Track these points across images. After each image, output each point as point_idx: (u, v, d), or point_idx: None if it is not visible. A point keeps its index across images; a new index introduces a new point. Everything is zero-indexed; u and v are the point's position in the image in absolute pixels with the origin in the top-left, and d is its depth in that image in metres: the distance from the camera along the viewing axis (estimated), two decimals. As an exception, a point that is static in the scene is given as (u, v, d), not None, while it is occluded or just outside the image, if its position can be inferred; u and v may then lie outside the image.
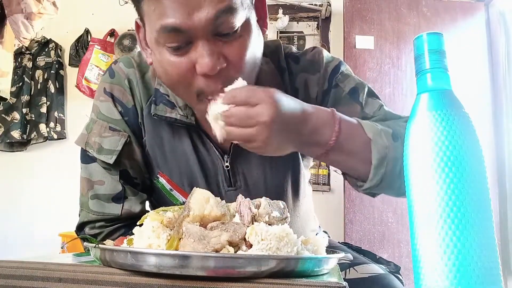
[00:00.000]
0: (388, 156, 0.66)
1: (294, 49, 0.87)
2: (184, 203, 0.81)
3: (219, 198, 0.48)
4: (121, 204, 0.79)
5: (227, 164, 0.80)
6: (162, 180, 0.82)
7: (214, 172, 0.81)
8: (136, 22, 0.73)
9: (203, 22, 0.60)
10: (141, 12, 0.67)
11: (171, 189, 0.82)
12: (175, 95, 0.77)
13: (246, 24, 0.65)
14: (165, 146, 0.81)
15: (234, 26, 0.62)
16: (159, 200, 0.87)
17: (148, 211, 0.87)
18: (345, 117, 0.68)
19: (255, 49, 0.68)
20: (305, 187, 0.91)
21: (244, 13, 0.64)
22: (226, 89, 0.61)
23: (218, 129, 0.61)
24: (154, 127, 0.80)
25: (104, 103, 0.82)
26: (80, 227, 0.82)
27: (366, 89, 0.82)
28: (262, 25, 0.74)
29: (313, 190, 1.06)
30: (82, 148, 0.81)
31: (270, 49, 0.83)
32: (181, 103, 0.78)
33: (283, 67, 0.83)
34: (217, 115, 0.60)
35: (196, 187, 0.80)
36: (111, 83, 0.82)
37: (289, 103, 0.62)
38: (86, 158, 0.81)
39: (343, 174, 0.75)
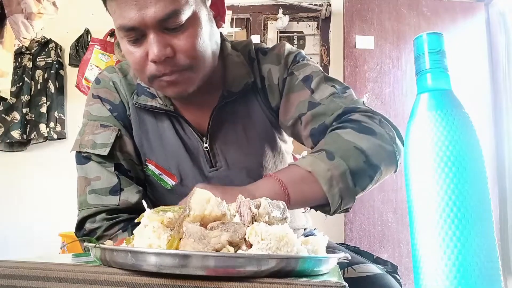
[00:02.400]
0: (333, 176, 0.70)
1: (264, 45, 0.96)
2: (174, 185, 0.87)
3: (219, 198, 0.48)
4: (118, 196, 0.82)
5: (206, 145, 0.86)
6: (151, 166, 0.88)
7: (196, 154, 0.88)
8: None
9: (150, 20, 0.69)
10: (109, 12, 0.77)
11: (160, 174, 0.88)
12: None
13: (193, 18, 0.73)
14: (150, 133, 0.88)
15: (180, 22, 0.71)
16: (154, 193, 0.91)
17: (145, 207, 0.91)
18: (283, 172, 0.74)
19: (204, 39, 0.75)
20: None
21: (191, 9, 0.72)
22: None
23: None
24: (139, 117, 0.88)
25: (93, 105, 0.89)
26: (79, 226, 0.83)
27: (320, 76, 0.87)
28: (220, 20, 0.83)
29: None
30: (76, 152, 0.86)
31: (242, 45, 0.93)
32: (161, 94, 0.86)
33: (253, 58, 0.91)
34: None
35: (182, 167, 0.87)
36: (98, 88, 0.91)
37: (227, 194, 0.64)
38: (81, 159, 0.85)
39: (311, 208, 0.78)
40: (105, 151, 0.83)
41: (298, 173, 0.72)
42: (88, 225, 0.82)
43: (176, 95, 0.79)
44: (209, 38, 0.77)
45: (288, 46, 0.93)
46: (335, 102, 0.82)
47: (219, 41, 0.83)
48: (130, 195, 0.83)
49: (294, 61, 0.89)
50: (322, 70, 0.90)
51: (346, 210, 0.76)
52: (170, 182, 0.88)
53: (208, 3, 0.79)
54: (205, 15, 0.76)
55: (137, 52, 0.74)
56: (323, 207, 0.75)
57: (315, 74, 0.87)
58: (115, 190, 0.82)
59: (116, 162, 0.84)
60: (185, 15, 0.71)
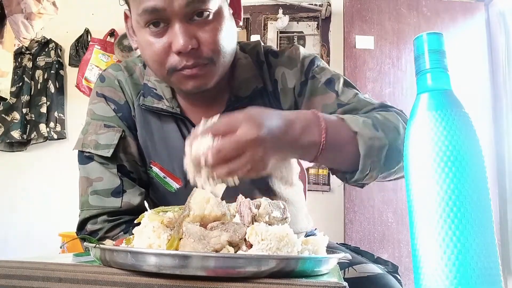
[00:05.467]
0: (374, 146, 0.68)
1: (274, 47, 0.94)
2: (178, 189, 0.85)
3: (219, 198, 0.48)
4: (121, 198, 0.81)
5: None
6: (155, 169, 0.87)
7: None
8: (125, 13, 0.80)
9: (180, 6, 0.68)
10: (127, 1, 0.75)
11: (164, 177, 0.87)
12: (162, 88, 0.84)
13: (218, 12, 0.73)
14: (155, 136, 0.86)
15: (207, 12, 0.71)
16: (157, 194, 0.90)
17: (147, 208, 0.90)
18: (326, 115, 0.69)
19: (227, 34, 0.75)
20: (293, 177, 0.96)
21: (217, 1, 0.72)
22: (198, 129, 0.58)
23: (210, 184, 0.58)
24: (144, 118, 0.86)
25: (97, 104, 0.87)
26: (81, 226, 0.83)
27: (341, 80, 0.87)
28: (237, 17, 0.82)
29: (313, 190, 1.07)
30: (79, 151, 0.85)
31: (250, 47, 0.91)
32: (168, 95, 0.85)
33: (262, 61, 0.89)
34: (202, 172, 0.57)
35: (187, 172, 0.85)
36: (102, 86, 0.89)
37: (268, 115, 0.62)
38: (83, 159, 0.84)
39: (330, 169, 0.77)
40: (108, 153, 0.81)
41: (342, 127, 0.69)
42: (90, 226, 0.81)
43: (195, 89, 0.76)
44: (231, 35, 0.76)
45: (302, 50, 0.91)
46: (364, 100, 0.82)
47: (236, 41, 0.82)
48: (133, 197, 0.82)
49: (312, 64, 0.88)
50: (338, 73, 0.89)
51: (361, 185, 0.75)
52: (175, 185, 0.86)
53: (228, 1, 0.79)
54: (227, 11, 0.76)
55: (158, 43, 0.72)
56: (344, 173, 0.73)
57: (336, 77, 0.86)
58: (118, 192, 0.81)
59: (119, 164, 0.83)
60: (212, 6, 0.71)
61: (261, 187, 0.88)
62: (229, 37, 0.76)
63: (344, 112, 0.81)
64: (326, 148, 0.66)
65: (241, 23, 0.83)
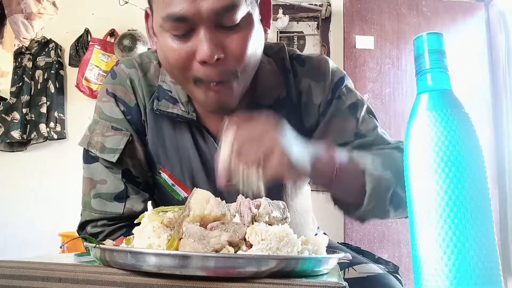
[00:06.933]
0: (381, 185, 0.68)
1: (298, 52, 0.88)
2: (186, 198, 0.81)
3: (219, 198, 0.48)
4: (123, 203, 0.79)
5: None
6: (164, 175, 0.83)
7: (214, 167, 0.81)
8: (145, 11, 0.76)
9: (206, 12, 0.63)
10: (150, 3, 0.71)
11: (173, 184, 0.83)
12: (177, 90, 0.80)
13: (248, 18, 0.67)
14: (167, 142, 0.82)
15: (236, 19, 0.65)
16: (162, 197, 0.88)
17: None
18: (341, 156, 0.70)
19: (255, 44, 0.69)
20: (304, 184, 0.94)
21: (247, 8, 0.67)
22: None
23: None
24: (156, 123, 0.82)
25: (106, 103, 0.83)
26: (82, 226, 0.83)
27: (365, 107, 0.84)
28: (265, 24, 0.76)
29: (313, 190, 1.07)
30: (84, 149, 0.82)
31: (274, 50, 0.85)
32: (184, 99, 0.80)
33: (288, 68, 0.84)
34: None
35: (197, 181, 0.83)
36: (113, 84, 0.84)
37: (291, 139, 0.64)
38: (88, 158, 0.82)
39: (334, 201, 0.77)
40: (113, 157, 0.78)
41: (352, 167, 0.69)
42: (90, 229, 0.80)
43: (216, 108, 0.73)
44: (258, 44, 0.71)
45: (331, 64, 0.86)
46: (382, 137, 0.81)
47: (261, 52, 0.76)
48: (136, 203, 0.80)
49: (341, 82, 0.84)
50: (363, 98, 0.86)
51: (362, 220, 0.76)
52: (183, 194, 0.83)
53: (258, 3, 0.73)
54: (257, 18, 0.71)
55: (182, 50, 0.66)
56: (348, 206, 0.74)
57: (360, 103, 0.83)
58: (121, 197, 0.79)
59: (124, 168, 0.80)
60: (241, 12, 0.65)
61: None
62: (258, 46, 0.71)
63: (360, 145, 0.80)
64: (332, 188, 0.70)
65: (269, 31, 0.78)
